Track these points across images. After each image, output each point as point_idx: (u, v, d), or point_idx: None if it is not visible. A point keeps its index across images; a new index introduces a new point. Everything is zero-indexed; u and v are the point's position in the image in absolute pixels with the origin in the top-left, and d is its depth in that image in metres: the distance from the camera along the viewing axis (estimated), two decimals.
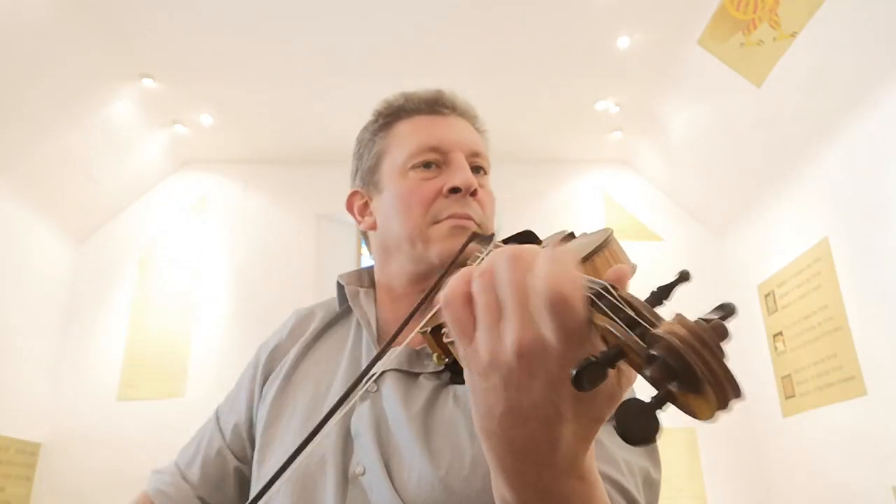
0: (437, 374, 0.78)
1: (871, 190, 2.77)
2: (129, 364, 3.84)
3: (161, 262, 4.10)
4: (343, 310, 0.93)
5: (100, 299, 3.99)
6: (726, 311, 0.35)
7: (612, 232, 0.51)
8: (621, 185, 4.35)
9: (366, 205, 0.91)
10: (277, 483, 0.76)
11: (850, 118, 2.88)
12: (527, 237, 0.79)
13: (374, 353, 0.84)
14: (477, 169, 0.87)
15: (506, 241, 0.75)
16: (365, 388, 0.79)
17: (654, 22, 3.19)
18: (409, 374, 0.79)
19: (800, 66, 2.87)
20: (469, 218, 0.81)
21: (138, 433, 3.61)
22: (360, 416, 0.77)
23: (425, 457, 0.70)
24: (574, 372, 0.32)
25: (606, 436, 0.67)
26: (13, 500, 3.42)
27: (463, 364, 0.42)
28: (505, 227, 3.81)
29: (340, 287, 0.92)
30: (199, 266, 4.10)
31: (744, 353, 3.81)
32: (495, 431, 0.40)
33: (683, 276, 0.40)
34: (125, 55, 3.31)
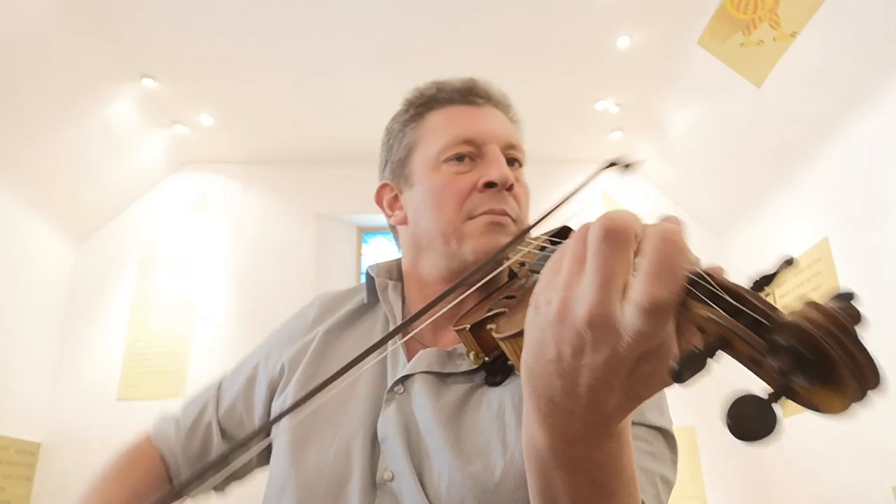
0: (469, 375, 0.75)
1: (871, 190, 2.77)
2: (129, 364, 3.84)
3: (161, 262, 4.10)
4: (370, 301, 0.90)
5: (100, 299, 3.99)
6: (847, 297, 0.31)
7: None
8: (621, 185, 4.35)
9: (395, 198, 0.87)
10: (304, 488, 0.74)
11: (850, 118, 2.88)
12: (561, 234, 0.77)
13: (400, 351, 0.81)
14: (512, 161, 0.84)
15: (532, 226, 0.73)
16: (392, 390, 0.76)
17: (654, 22, 3.19)
18: (439, 376, 0.76)
19: (800, 66, 2.87)
20: (505, 214, 0.78)
21: (138, 433, 3.61)
22: (387, 419, 0.74)
23: (456, 462, 0.67)
24: (675, 366, 0.30)
25: None
26: (13, 500, 3.42)
27: (533, 296, 0.40)
28: None
29: (370, 278, 0.89)
30: (199, 266, 4.10)
31: None
32: (538, 373, 0.39)
33: (788, 262, 0.37)
34: (125, 55, 3.31)
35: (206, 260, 4.12)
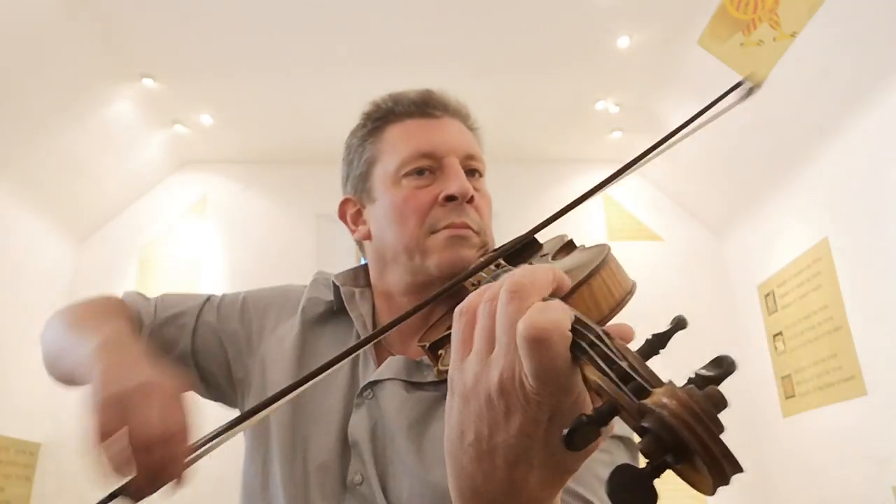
0: (436, 385, 0.76)
1: (871, 190, 2.77)
2: None
3: (161, 262, 4.10)
4: (340, 309, 0.91)
5: None
6: (725, 366, 0.32)
7: (609, 250, 0.49)
8: (621, 185, 4.35)
9: (358, 213, 0.89)
10: (277, 489, 0.75)
11: (850, 118, 2.88)
12: (527, 246, 0.77)
13: (370, 356, 0.82)
14: (472, 172, 0.84)
15: (504, 247, 0.72)
16: (362, 394, 0.78)
17: (654, 22, 3.19)
18: (407, 384, 0.77)
19: (800, 66, 2.87)
20: (467, 227, 0.79)
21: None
22: (357, 423, 0.76)
23: (419, 470, 0.69)
24: (565, 432, 0.30)
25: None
26: (13, 500, 3.42)
27: (449, 381, 0.40)
28: (504, 227, 3.80)
29: (336, 287, 0.90)
30: (199, 266, 4.10)
31: (744, 354, 3.81)
32: (461, 459, 0.39)
33: (680, 324, 0.37)
34: (125, 55, 3.31)
35: (206, 260, 4.12)
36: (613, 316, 0.45)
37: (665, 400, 0.29)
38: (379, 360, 0.82)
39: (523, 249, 0.76)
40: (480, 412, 0.37)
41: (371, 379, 0.78)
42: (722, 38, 3.08)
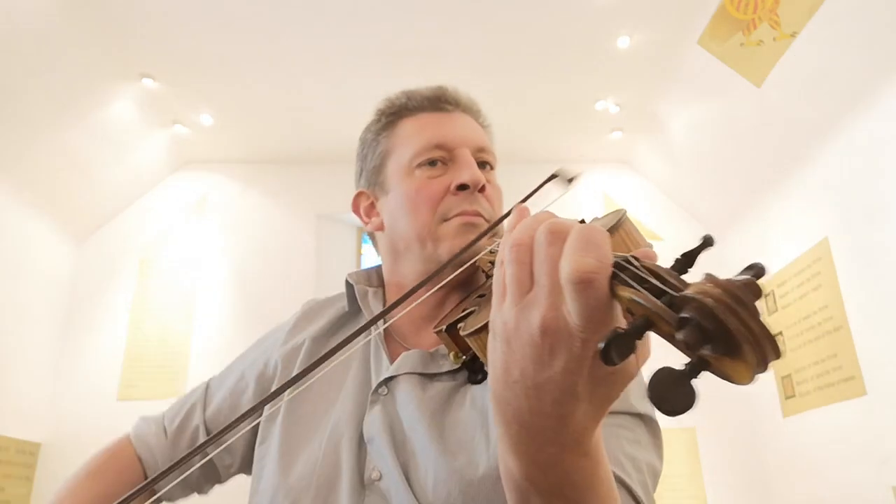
0: (452, 374, 0.77)
1: (871, 190, 2.77)
2: (129, 364, 3.84)
3: (161, 262, 4.10)
4: (353, 309, 0.91)
5: (100, 299, 3.99)
6: (756, 270, 0.33)
7: (625, 212, 0.50)
8: (621, 185, 4.35)
9: (372, 205, 0.90)
10: (294, 493, 0.75)
11: (850, 118, 2.88)
12: None
13: (383, 354, 0.83)
14: (483, 164, 0.86)
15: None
16: (376, 391, 0.78)
17: (654, 22, 3.19)
18: (423, 377, 0.78)
19: (800, 66, 2.87)
20: (478, 214, 0.80)
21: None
22: (373, 420, 0.76)
23: (441, 459, 0.69)
24: (601, 345, 0.31)
25: (611, 430, 0.67)
26: (13, 500, 3.42)
27: (490, 324, 0.41)
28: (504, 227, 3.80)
29: (350, 286, 0.91)
30: (199, 266, 4.10)
31: None
32: (507, 398, 0.40)
33: (707, 241, 0.38)
34: (125, 55, 3.31)
35: (206, 260, 4.12)
36: None
37: (707, 287, 0.30)
38: (393, 357, 0.82)
39: None
40: (524, 352, 0.38)
41: (386, 375, 0.79)
42: (722, 38, 3.08)
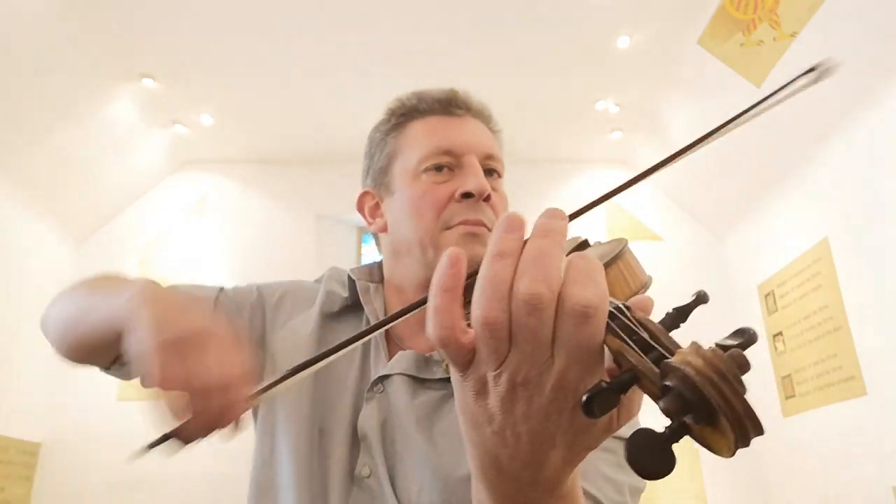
0: (444, 382, 0.77)
1: (871, 190, 2.77)
2: None
3: (161, 262, 4.10)
4: (354, 302, 0.91)
5: None
6: (746, 337, 0.32)
7: (626, 243, 0.49)
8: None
9: (377, 205, 0.90)
10: (287, 479, 0.75)
11: (850, 118, 2.88)
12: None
13: (382, 352, 0.83)
14: (490, 172, 0.85)
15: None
16: (372, 388, 0.79)
17: (654, 22, 3.19)
18: (415, 380, 0.78)
19: (800, 66, 2.86)
20: (481, 224, 0.80)
21: (138, 433, 3.60)
22: (367, 417, 0.76)
23: (426, 466, 0.69)
24: (584, 398, 0.30)
25: (593, 454, 0.67)
26: (13, 500, 3.42)
27: (461, 378, 0.39)
28: None
29: (352, 281, 0.91)
30: (199, 266, 4.10)
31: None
32: (482, 443, 0.39)
33: (701, 298, 0.37)
34: (125, 55, 3.31)
35: (206, 260, 4.12)
36: None
37: (690, 358, 0.29)
38: (390, 355, 0.82)
39: None
40: (503, 404, 0.37)
41: (381, 373, 0.79)
42: (722, 38, 3.08)
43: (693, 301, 0.37)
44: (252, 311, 0.92)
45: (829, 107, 2.95)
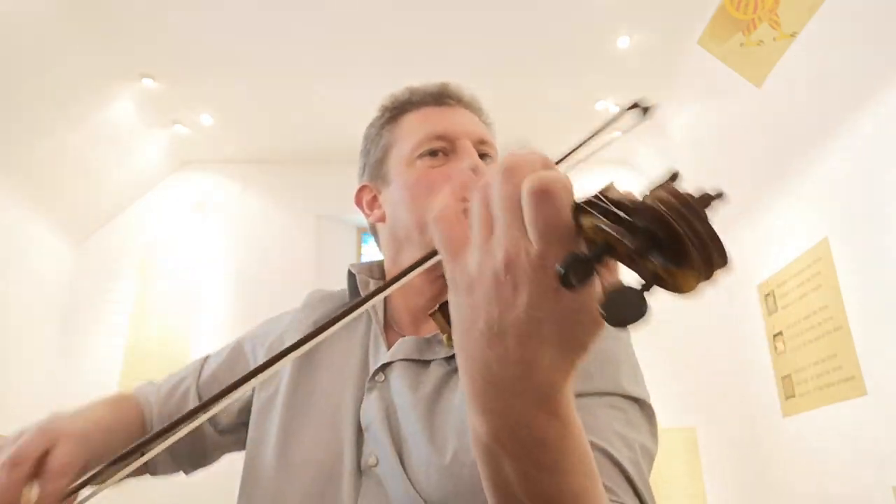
0: (447, 360, 0.77)
1: (871, 190, 2.77)
2: (129, 364, 3.84)
3: (161, 262, 4.10)
4: (355, 298, 0.92)
5: (100, 299, 3.99)
6: (673, 176, 0.34)
7: (612, 184, 0.50)
8: (621, 185, 4.34)
9: (374, 198, 0.91)
10: (294, 477, 0.76)
11: (850, 118, 2.88)
12: None
13: (381, 342, 0.84)
14: (484, 156, 0.86)
15: None
16: (373, 378, 0.79)
17: (654, 22, 3.19)
18: (418, 363, 0.79)
19: (800, 66, 2.87)
20: None
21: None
22: (369, 407, 0.77)
23: (431, 445, 0.70)
24: (560, 268, 0.31)
25: (602, 410, 0.66)
26: None
27: (449, 283, 0.40)
28: None
29: (352, 276, 0.91)
30: (199, 266, 4.10)
31: (744, 353, 3.81)
32: (471, 350, 0.39)
33: (674, 176, 0.37)
34: (125, 55, 3.31)
35: (206, 260, 4.12)
36: None
37: (660, 193, 0.31)
38: (390, 344, 0.83)
39: None
40: (488, 295, 0.37)
41: (382, 362, 0.80)
42: (722, 38, 3.08)
43: (668, 178, 0.37)
44: (237, 358, 0.94)
45: (829, 107, 2.95)
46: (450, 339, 0.69)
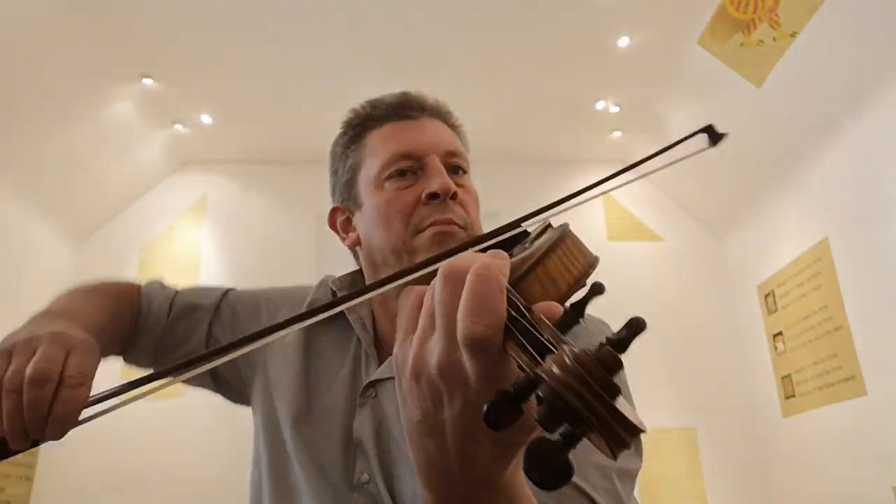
0: None
1: (871, 190, 2.77)
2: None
3: (161, 262, 4.10)
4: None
5: None
6: (633, 328, 0.30)
7: (565, 228, 0.48)
8: (622, 186, 4.34)
9: (348, 220, 0.89)
10: (286, 486, 0.76)
11: (850, 118, 2.88)
12: (517, 236, 0.77)
13: (373, 361, 0.83)
14: (455, 169, 0.84)
15: (490, 234, 0.72)
16: (364, 394, 0.80)
17: (654, 22, 3.19)
18: None
19: (800, 66, 2.87)
20: (452, 223, 0.78)
21: (138, 433, 3.61)
22: (362, 423, 0.77)
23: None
24: (485, 409, 0.30)
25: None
26: (13, 500, 3.42)
27: (394, 358, 0.41)
28: None
29: (334, 294, 0.91)
30: (199, 266, 4.10)
31: (744, 353, 3.81)
32: (412, 435, 0.40)
33: (596, 289, 0.36)
34: (125, 55, 3.31)
35: (205, 260, 4.12)
36: (575, 291, 0.44)
37: (553, 367, 0.29)
38: (381, 361, 0.82)
39: (512, 239, 0.75)
40: (422, 392, 0.37)
41: (372, 378, 0.79)
42: (722, 38, 3.08)
43: (587, 294, 0.37)
44: (252, 319, 0.94)
45: (829, 107, 2.95)
46: None
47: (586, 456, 0.65)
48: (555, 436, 0.28)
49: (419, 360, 0.37)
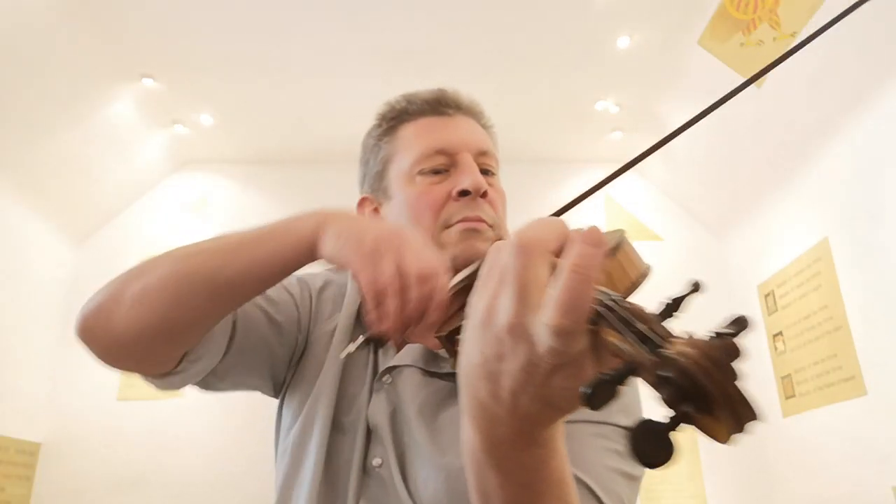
0: (451, 376, 0.78)
1: (871, 190, 2.77)
2: None
3: None
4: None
5: None
6: (740, 325, 0.34)
7: (624, 234, 0.50)
8: (621, 185, 4.34)
9: (376, 211, 0.90)
10: (307, 469, 0.76)
11: (850, 118, 2.88)
12: None
13: (391, 347, 0.83)
14: (485, 171, 0.85)
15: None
16: (381, 379, 0.80)
17: (654, 22, 3.19)
18: (424, 372, 0.79)
19: (800, 66, 2.87)
20: (481, 220, 0.80)
21: (138, 433, 3.61)
22: (377, 408, 0.78)
23: (432, 455, 0.71)
24: (586, 391, 0.31)
25: (589, 438, 0.68)
26: (13, 500, 3.42)
27: (468, 307, 0.42)
28: None
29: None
30: None
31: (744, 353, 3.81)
32: (469, 376, 0.41)
33: (696, 287, 0.39)
34: (125, 55, 3.31)
35: None
36: (629, 297, 0.45)
37: (685, 348, 0.31)
38: (398, 348, 0.83)
39: None
40: (491, 340, 0.39)
41: (390, 364, 0.80)
42: (722, 38, 3.08)
43: (688, 291, 0.39)
44: (298, 293, 0.91)
45: (829, 107, 2.95)
46: (455, 364, 0.70)
47: (598, 457, 0.67)
48: (665, 418, 0.30)
49: (490, 311, 0.39)
